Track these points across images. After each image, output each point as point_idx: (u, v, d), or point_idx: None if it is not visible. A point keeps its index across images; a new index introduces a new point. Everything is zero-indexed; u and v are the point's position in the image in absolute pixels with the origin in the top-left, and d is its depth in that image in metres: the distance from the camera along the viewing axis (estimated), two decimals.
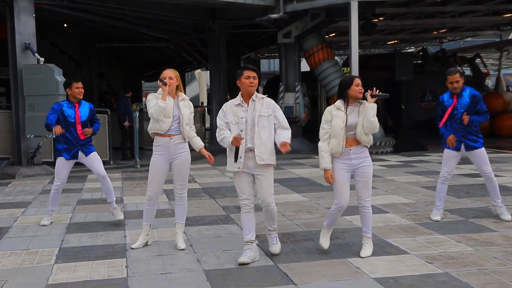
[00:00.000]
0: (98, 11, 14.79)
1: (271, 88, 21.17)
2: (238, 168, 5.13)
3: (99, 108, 15.10)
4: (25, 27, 11.81)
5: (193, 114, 5.76)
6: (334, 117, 5.19)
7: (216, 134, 5.27)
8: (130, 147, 14.50)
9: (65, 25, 18.14)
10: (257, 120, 5.09)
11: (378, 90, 5.23)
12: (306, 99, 16.02)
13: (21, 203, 8.45)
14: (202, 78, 40.64)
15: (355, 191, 5.39)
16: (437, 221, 6.57)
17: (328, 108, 5.35)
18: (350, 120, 5.17)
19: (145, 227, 5.78)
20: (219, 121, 5.25)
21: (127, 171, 12.11)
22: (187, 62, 26.26)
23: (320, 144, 5.30)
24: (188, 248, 5.66)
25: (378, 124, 5.21)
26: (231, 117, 5.17)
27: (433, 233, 6.07)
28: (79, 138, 6.69)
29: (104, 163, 12.87)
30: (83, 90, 6.79)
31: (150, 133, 5.65)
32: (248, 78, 5.10)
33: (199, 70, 37.29)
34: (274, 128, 5.21)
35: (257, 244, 5.38)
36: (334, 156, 5.24)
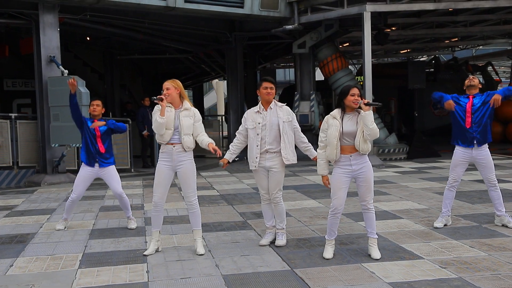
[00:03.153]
0: (119, 24, 14.94)
1: (287, 96, 21.18)
2: (255, 166, 5.78)
3: (120, 118, 15.27)
4: (50, 41, 11.97)
5: (199, 123, 5.64)
6: (330, 126, 5.29)
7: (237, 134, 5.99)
8: (150, 155, 14.59)
9: (88, 38, 18.35)
10: (281, 126, 5.71)
11: (372, 98, 5.27)
12: (320, 107, 15.99)
13: (46, 210, 8.53)
14: (219, 88, 40.76)
15: (357, 197, 5.39)
16: (436, 227, 6.47)
17: (326, 117, 5.42)
18: (346, 128, 5.22)
19: (154, 234, 5.79)
20: (240, 128, 5.96)
21: (147, 178, 12.18)
22: (205, 72, 26.36)
23: (318, 151, 5.47)
24: (207, 253, 5.67)
25: (378, 130, 5.23)
26: (250, 122, 5.82)
27: (447, 238, 6.00)
28: (100, 151, 6.79)
29: (125, 171, 13.12)
30: (98, 107, 6.86)
31: (158, 142, 5.72)
32: (266, 89, 5.74)
33: (216, 80, 37.39)
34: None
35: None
36: (333, 162, 5.35)
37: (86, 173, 6.86)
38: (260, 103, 5.83)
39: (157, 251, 5.76)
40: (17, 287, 4.76)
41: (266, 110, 5.77)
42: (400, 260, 5.22)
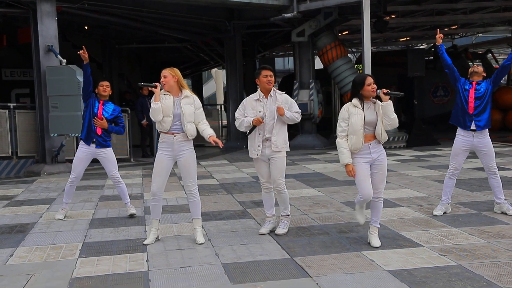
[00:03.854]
0: (118, 13, 14.86)
1: (286, 85, 21.12)
2: (257, 155, 5.75)
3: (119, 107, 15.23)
4: (47, 30, 11.91)
5: (200, 110, 5.62)
6: (352, 114, 5.21)
7: (235, 123, 5.88)
8: (150, 145, 14.58)
9: (86, 27, 18.27)
10: (275, 114, 5.66)
11: (394, 87, 5.26)
12: (320, 96, 15.96)
13: (46, 200, 8.54)
14: (218, 77, 40.68)
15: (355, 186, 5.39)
16: (436, 215, 6.48)
17: (344, 106, 5.35)
18: (367, 117, 5.21)
19: (154, 223, 5.79)
20: (237, 113, 5.84)
21: (146, 168, 12.17)
22: (204, 61, 26.30)
23: (338, 140, 5.32)
24: (206, 242, 5.68)
25: (397, 119, 5.24)
26: (250, 110, 5.76)
27: (446, 226, 6.01)
28: (96, 133, 6.85)
29: (125, 160, 13.12)
30: (107, 88, 6.94)
31: (158, 131, 5.70)
32: (266, 77, 5.70)
33: (215, 69, 37.31)
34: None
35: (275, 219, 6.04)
36: (353, 152, 5.25)
37: (83, 153, 6.92)
38: (259, 90, 5.80)
39: (157, 240, 5.77)
40: (17, 277, 4.77)
41: (266, 98, 5.75)
42: (399, 248, 5.23)
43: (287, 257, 5.08)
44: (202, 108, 5.69)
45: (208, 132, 5.60)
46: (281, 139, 5.74)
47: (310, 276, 4.53)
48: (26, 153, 12.44)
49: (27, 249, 5.65)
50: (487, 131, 6.46)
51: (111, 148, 7.01)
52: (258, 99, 5.77)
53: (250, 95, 5.89)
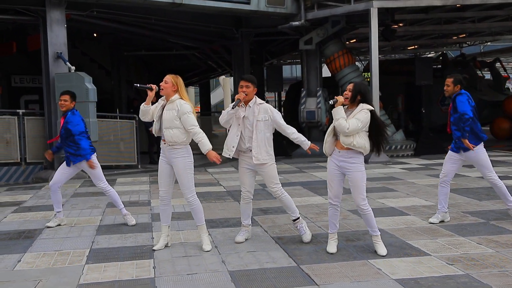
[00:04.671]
0: (126, 20, 14.95)
1: (293, 93, 21.15)
2: (229, 155, 5.71)
3: (128, 114, 15.30)
4: (57, 37, 11.99)
5: (185, 116, 5.43)
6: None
7: (220, 117, 5.81)
8: (157, 152, 14.58)
9: (95, 34, 18.38)
10: (255, 124, 5.58)
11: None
12: (327, 104, 15.95)
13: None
14: (226, 84, 40.81)
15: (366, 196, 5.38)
16: (431, 223, 6.48)
17: None
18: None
19: (163, 228, 5.81)
20: (222, 112, 5.79)
21: (154, 174, 12.19)
22: (212, 68, 26.38)
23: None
24: (213, 249, 5.68)
25: (345, 125, 5.12)
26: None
27: (454, 235, 5.98)
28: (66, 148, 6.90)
29: (132, 167, 13.14)
30: (65, 102, 6.82)
31: None
32: (241, 87, 5.60)
33: (223, 77, 37.42)
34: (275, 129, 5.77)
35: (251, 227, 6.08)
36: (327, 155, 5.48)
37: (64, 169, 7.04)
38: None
39: (166, 246, 5.78)
40: (24, 283, 4.79)
41: (246, 107, 5.65)
42: (407, 257, 5.21)
43: (294, 265, 5.07)
44: (188, 115, 5.44)
45: (205, 148, 5.48)
46: (263, 151, 5.61)
47: (317, 284, 4.52)
48: (35, 160, 12.48)
49: (35, 255, 5.67)
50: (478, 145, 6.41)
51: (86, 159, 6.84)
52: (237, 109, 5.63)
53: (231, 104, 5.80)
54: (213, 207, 7.97)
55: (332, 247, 5.45)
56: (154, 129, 5.65)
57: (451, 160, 6.57)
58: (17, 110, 12.79)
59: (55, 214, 7.04)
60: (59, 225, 7.00)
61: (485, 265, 4.89)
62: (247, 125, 5.64)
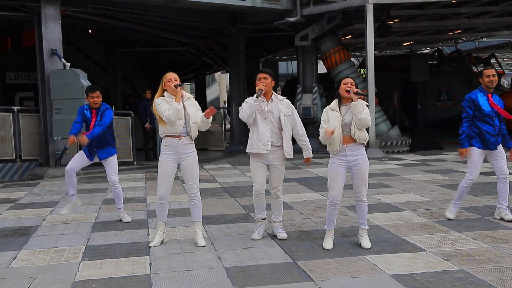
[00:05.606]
0: (121, 17, 14.90)
1: (289, 89, 21.11)
2: (267, 150, 5.59)
3: (123, 111, 15.26)
4: (52, 33, 11.95)
5: (200, 110, 5.67)
6: (330, 117, 5.33)
7: (240, 114, 5.69)
8: (153, 148, 14.59)
9: (90, 31, 18.31)
10: (283, 120, 5.59)
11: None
12: (323, 100, 15.96)
13: (49, 203, 8.55)
14: (222, 81, 40.73)
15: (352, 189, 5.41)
16: (450, 219, 6.48)
17: (325, 108, 5.50)
18: (345, 119, 5.30)
19: (160, 226, 5.81)
20: (243, 104, 5.67)
21: (150, 171, 12.19)
22: (207, 65, 26.32)
23: (320, 129, 5.41)
24: (209, 245, 5.68)
25: (369, 118, 5.24)
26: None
27: (449, 230, 6.00)
28: (94, 142, 6.83)
29: (128, 163, 13.12)
30: (98, 99, 6.83)
31: (161, 135, 5.68)
32: (260, 80, 5.59)
33: (219, 73, 37.36)
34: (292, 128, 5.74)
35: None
36: (331, 153, 5.39)
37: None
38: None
39: (162, 243, 5.77)
40: (20, 280, 4.78)
41: (268, 101, 5.66)
42: (402, 253, 5.22)
43: (290, 261, 5.07)
44: (200, 110, 5.73)
45: (201, 114, 5.60)
46: (290, 145, 5.67)
47: (313, 280, 4.53)
48: (30, 156, 12.46)
49: (30, 252, 5.66)
50: None
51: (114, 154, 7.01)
52: (261, 100, 5.58)
53: (251, 97, 5.75)
54: (209, 204, 7.97)
55: (328, 243, 5.46)
56: (177, 128, 5.50)
57: (480, 162, 6.45)
58: (12, 107, 12.75)
59: (67, 201, 7.13)
60: (75, 206, 7.14)
61: (480, 260, 4.90)
62: (271, 120, 5.60)
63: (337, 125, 5.25)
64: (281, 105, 5.67)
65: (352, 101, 5.24)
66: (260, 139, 5.61)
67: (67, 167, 7.02)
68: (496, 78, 6.36)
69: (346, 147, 5.31)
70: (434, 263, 4.86)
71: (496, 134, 6.32)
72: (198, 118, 5.61)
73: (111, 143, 6.97)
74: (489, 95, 6.33)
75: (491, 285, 4.28)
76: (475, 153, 6.39)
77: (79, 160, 7.01)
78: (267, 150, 5.60)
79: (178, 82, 5.56)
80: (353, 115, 5.22)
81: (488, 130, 6.30)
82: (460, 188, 6.57)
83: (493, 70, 6.47)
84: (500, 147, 6.39)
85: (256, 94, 5.51)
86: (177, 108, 5.44)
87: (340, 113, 5.29)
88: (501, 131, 6.36)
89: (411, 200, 7.80)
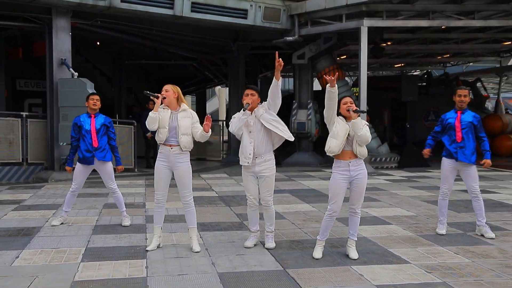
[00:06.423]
0: (128, 30, 14.96)
1: (285, 105, 21.14)
2: (248, 163, 5.58)
3: (126, 120, 15.26)
4: (62, 44, 11.98)
5: (198, 123, 5.63)
6: (338, 122, 5.32)
7: (229, 129, 5.68)
8: (154, 156, 14.57)
9: (98, 43, 18.36)
10: (265, 120, 5.51)
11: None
12: (317, 116, 15.98)
13: (53, 205, 8.52)
14: (222, 95, 40.78)
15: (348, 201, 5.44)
16: (442, 234, 6.45)
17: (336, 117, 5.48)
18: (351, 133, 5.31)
19: (156, 230, 5.79)
20: (232, 119, 5.66)
21: (150, 178, 12.15)
22: (208, 79, 26.36)
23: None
24: (204, 251, 5.66)
25: (369, 135, 5.28)
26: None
27: (433, 244, 6.00)
28: (93, 146, 6.81)
29: (129, 170, 13.10)
30: (98, 102, 6.87)
31: (157, 141, 5.69)
32: (247, 96, 5.59)
33: (219, 87, 37.42)
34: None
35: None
36: (334, 165, 5.41)
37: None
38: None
39: (158, 247, 5.75)
40: (21, 278, 4.75)
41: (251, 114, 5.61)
42: (388, 264, 5.21)
43: (281, 269, 5.06)
44: (198, 122, 5.66)
45: (200, 127, 5.58)
46: (285, 131, 5.59)
47: None
48: (36, 160, 12.42)
49: (33, 251, 5.63)
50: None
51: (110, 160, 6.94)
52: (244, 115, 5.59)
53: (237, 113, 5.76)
54: (204, 211, 7.95)
55: (318, 252, 5.45)
56: (160, 136, 5.53)
57: (451, 175, 6.51)
58: (21, 113, 12.74)
59: (63, 214, 7.04)
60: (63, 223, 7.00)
61: (461, 274, 4.90)
62: (255, 132, 5.58)
63: (343, 132, 5.24)
64: (261, 109, 5.59)
65: (352, 119, 5.25)
66: (243, 152, 5.64)
67: (73, 188, 6.91)
68: (468, 98, 6.43)
69: (350, 162, 5.32)
70: (418, 275, 4.86)
71: (459, 147, 6.35)
72: (195, 130, 5.60)
73: (107, 149, 6.90)
74: (459, 112, 6.42)
75: None
76: (444, 165, 6.52)
77: (79, 174, 6.91)
78: (248, 162, 5.59)
79: (164, 95, 5.55)
80: (354, 132, 5.23)
81: (450, 141, 6.43)
82: (438, 203, 6.63)
83: (466, 90, 6.51)
84: (472, 168, 6.39)
85: (243, 108, 5.54)
86: (150, 116, 5.49)
87: (349, 125, 5.28)
88: (482, 146, 6.43)
89: (397, 214, 7.80)
